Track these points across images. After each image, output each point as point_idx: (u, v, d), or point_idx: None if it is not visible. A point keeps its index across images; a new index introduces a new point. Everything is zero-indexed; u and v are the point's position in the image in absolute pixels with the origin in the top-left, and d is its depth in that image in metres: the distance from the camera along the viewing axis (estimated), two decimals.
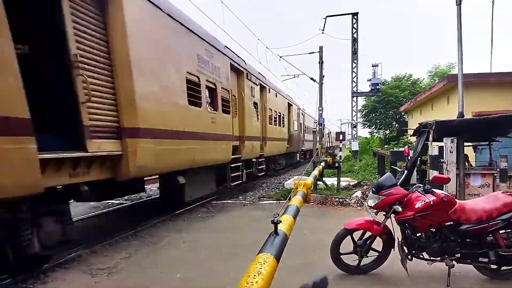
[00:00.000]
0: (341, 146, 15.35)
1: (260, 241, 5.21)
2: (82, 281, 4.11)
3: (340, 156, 13.21)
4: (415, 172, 8.39)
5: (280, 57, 22.69)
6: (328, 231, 5.64)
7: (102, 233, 6.06)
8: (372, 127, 33.49)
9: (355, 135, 26.61)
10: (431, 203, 3.59)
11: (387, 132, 30.20)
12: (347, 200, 8.27)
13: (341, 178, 10.90)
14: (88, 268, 4.55)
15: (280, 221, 2.19)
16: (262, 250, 1.89)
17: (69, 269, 4.55)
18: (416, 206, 3.66)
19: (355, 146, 24.33)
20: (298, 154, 21.84)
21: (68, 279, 4.19)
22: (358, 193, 8.90)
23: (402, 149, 14.63)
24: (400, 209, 3.74)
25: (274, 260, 1.76)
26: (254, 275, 1.49)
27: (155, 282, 4.01)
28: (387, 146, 22.29)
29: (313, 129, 26.42)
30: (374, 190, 3.94)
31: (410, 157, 7.92)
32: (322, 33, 23.34)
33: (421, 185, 3.87)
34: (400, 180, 4.17)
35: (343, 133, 26.24)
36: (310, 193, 5.45)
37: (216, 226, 6.72)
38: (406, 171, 7.32)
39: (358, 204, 7.96)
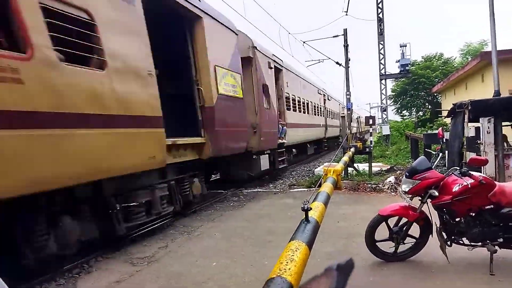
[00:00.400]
0: (371, 130, 14.91)
1: (292, 228, 5.25)
2: (124, 270, 4.33)
3: (371, 141, 12.87)
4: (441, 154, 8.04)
5: (304, 42, 22.27)
6: (362, 218, 5.58)
7: (139, 223, 6.31)
8: (404, 111, 32.33)
9: (386, 119, 25.80)
10: (469, 186, 3.45)
11: (420, 114, 29.04)
12: (380, 185, 8.09)
13: (373, 164, 10.66)
14: (128, 257, 4.78)
15: (311, 208, 2.18)
16: (293, 238, 1.90)
17: (110, 259, 4.80)
18: (453, 190, 3.53)
19: (386, 130, 23.63)
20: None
21: (111, 269, 4.43)
22: (392, 178, 8.68)
23: (436, 131, 14.07)
24: (437, 194, 3.62)
25: (306, 247, 1.77)
26: (287, 262, 1.51)
27: (192, 270, 4.15)
28: (420, 129, 21.46)
29: (342, 115, 25.91)
30: (408, 174, 3.83)
31: (446, 139, 7.60)
32: (346, 14, 22.59)
33: (458, 168, 3.72)
34: (435, 163, 4.01)
35: (373, 118, 25.54)
36: (341, 179, 5.37)
37: (248, 214, 6.82)
38: (441, 154, 7.05)
39: (391, 190, 7.77)
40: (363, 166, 10.84)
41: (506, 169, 6.56)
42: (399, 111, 32.71)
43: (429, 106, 28.65)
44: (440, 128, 9.86)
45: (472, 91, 15.78)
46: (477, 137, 6.92)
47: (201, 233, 5.75)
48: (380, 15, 24.24)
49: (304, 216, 2.09)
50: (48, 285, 4.00)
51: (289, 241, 1.83)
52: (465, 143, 7.27)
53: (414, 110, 30.21)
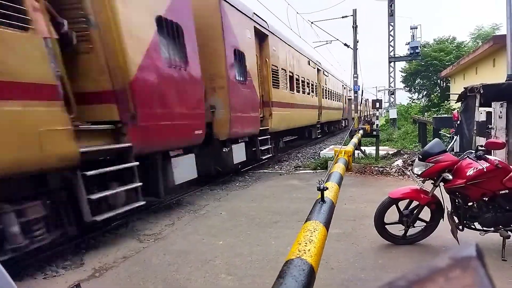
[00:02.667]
0: (377, 114, 14.66)
1: (298, 209, 5.27)
2: (131, 246, 4.34)
3: (377, 125, 12.63)
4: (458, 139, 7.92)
5: (312, 22, 21.72)
6: (369, 201, 5.54)
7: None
8: (414, 93, 31.89)
9: (393, 102, 25.46)
10: (484, 170, 3.35)
11: (431, 97, 28.64)
12: (387, 169, 8.00)
13: (380, 147, 10.54)
14: (135, 234, 4.79)
15: (327, 188, 2.11)
16: (309, 218, 1.84)
17: (118, 235, 4.82)
18: (468, 174, 3.43)
19: (393, 114, 23.36)
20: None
21: (118, 244, 4.44)
22: (399, 162, 8.58)
23: (445, 115, 13.84)
24: (450, 177, 3.53)
25: (324, 228, 1.70)
26: (306, 243, 1.44)
27: (199, 248, 4.14)
28: (427, 113, 21.17)
29: (348, 97, 25.55)
30: (421, 157, 3.73)
31: (460, 121, 7.46)
32: None
33: (473, 151, 3.61)
34: (450, 146, 3.91)
35: (380, 101, 25.19)
36: (352, 161, 5.29)
37: (253, 194, 6.80)
38: (456, 137, 6.94)
39: (399, 173, 7.69)
40: (369, 150, 10.74)
41: None
42: (410, 90, 32.23)
43: (438, 90, 28.20)
44: (456, 110, 9.67)
45: (482, 76, 15.43)
46: (488, 122, 6.78)
47: (207, 212, 5.75)
48: None
49: (320, 196, 2.01)
50: (56, 259, 4.02)
51: (305, 222, 1.77)
52: (475, 127, 7.13)
53: (424, 92, 29.75)
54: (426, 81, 29.20)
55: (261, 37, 9.57)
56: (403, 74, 30.86)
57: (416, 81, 30.36)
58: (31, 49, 3.25)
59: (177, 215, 5.63)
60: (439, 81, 28.13)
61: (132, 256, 4.05)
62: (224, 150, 7.41)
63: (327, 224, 1.78)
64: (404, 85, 31.45)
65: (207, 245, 4.23)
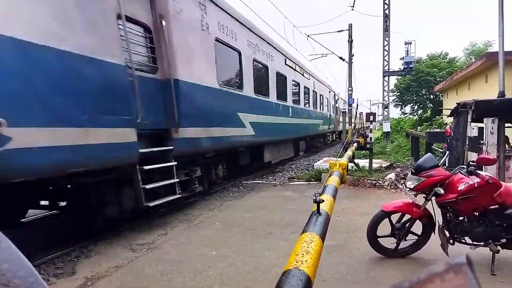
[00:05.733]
0: (371, 127, 14.83)
1: (292, 221, 5.30)
2: (123, 256, 4.31)
3: (371, 138, 12.80)
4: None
5: (308, 36, 22.00)
6: (362, 213, 5.59)
7: (139, 210, 6.29)
8: (406, 107, 32.37)
9: (387, 116, 25.79)
10: (475, 185, 3.43)
11: (420, 112, 29.09)
12: (380, 182, 8.08)
13: (373, 160, 10.65)
14: (128, 243, 4.76)
15: (323, 200, 2.15)
16: (306, 230, 1.87)
17: (110, 244, 4.78)
18: (459, 189, 3.50)
19: (386, 127, 23.64)
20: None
21: (110, 254, 4.41)
22: (392, 175, 8.68)
23: (438, 130, 14.05)
24: (442, 192, 3.60)
25: (320, 240, 1.74)
26: (303, 254, 1.47)
27: (192, 258, 4.13)
28: (420, 127, 21.47)
29: (343, 110, 25.74)
30: (414, 171, 3.81)
31: (451, 136, 7.61)
32: (352, 9, 22.36)
33: (465, 167, 3.70)
34: (442, 161, 4.00)
35: (374, 114, 25.47)
36: (346, 174, 5.35)
37: (247, 205, 6.80)
38: (448, 152, 7.06)
39: (392, 186, 7.77)
40: (362, 162, 10.84)
41: (506, 171, 6.57)
42: (402, 107, 32.71)
43: (430, 105, 28.68)
44: (448, 126, 9.86)
45: (475, 92, 15.76)
46: (480, 137, 6.91)
47: (201, 222, 5.73)
48: (387, 11, 24.05)
49: (316, 208, 2.06)
50: (47, 268, 3.98)
51: (302, 233, 1.80)
52: (467, 143, 7.26)
53: (416, 106, 30.24)
54: (417, 96, 29.70)
55: None
56: (398, 88, 31.31)
57: (409, 94, 30.84)
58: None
59: (171, 224, 5.61)
60: (431, 96, 28.62)
61: (124, 265, 4.02)
62: None
63: (322, 236, 1.82)
64: (397, 99, 31.87)
65: (200, 255, 4.22)
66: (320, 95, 18.82)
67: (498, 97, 8.31)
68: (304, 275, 1.28)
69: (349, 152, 7.27)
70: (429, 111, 27.84)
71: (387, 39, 24.39)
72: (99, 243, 4.76)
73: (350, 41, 22.23)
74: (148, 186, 4.86)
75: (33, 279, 0.39)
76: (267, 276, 3.58)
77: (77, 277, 3.76)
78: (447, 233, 3.69)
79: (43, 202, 5.47)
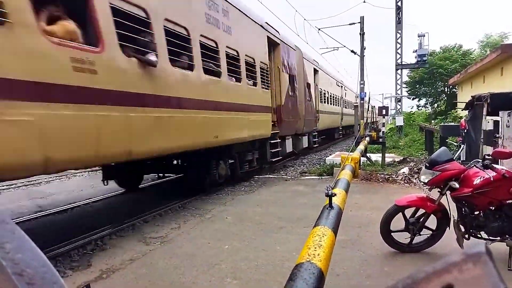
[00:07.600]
0: (383, 121, 14.60)
1: (303, 215, 5.29)
2: (137, 249, 4.38)
3: (383, 132, 12.61)
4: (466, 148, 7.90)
5: (319, 29, 21.77)
6: (374, 208, 5.54)
7: (153, 204, 6.38)
8: (420, 100, 31.80)
9: (400, 110, 25.39)
10: (491, 179, 3.35)
11: (435, 105, 28.54)
12: (393, 176, 7.98)
13: (385, 154, 10.52)
14: (142, 236, 4.84)
15: (335, 194, 2.14)
16: (318, 223, 1.87)
17: (124, 237, 4.87)
18: (475, 183, 3.43)
19: (399, 121, 23.27)
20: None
21: (125, 247, 4.49)
22: (405, 170, 8.55)
23: (452, 123, 13.78)
24: (457, 186, 3.53)
25: (332, 233, 1.73)
26: (315, 248, 1.47)
27: (205, 252, 4.18)
28: (434, 121, 21.08)
29: (355, 104, 25.46)
30: (428, 165, 3.75)
31: (467, 130, 7.46)
32: (364, 2, 22.02)
33: (480, 160, 3.62)
34: (457, 155, 3.92)
35: (386, 108, 25.07)
36: (358, 168, 5.31)
37: (259, 200, 6.82)
38: (463, 146, 6.93)
39: (405, 181, 7.67)
40: (375, 157, 10.72)
41: None
42: (419, 99, 32.14)
43: (445, 98, 28.11)
44: (463, 119, 9.67)
45: (490, 85, 15.39)
46: (495, 131, 6.76)
47: (213, 216, 5.78)
48: (399, 3, 23.57)
49: (328, 202, 2.04)
50: (63, 260, 4.08)
51: (314, 227, 1.80)
52: (482, 136, 7.11)
53: (429, 99, 29.67)
54: (431, 89, 29.12)
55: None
56: (411, 81, 30.74)
57: (422, 88, 30.29)
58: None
59: (183, 218, 5.68)
60: (445, 88, 28.04)
61: (138, 258, 4.09)
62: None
63: (335, 230, 1.81)
64: (408, 92, 31.32)
65: (213, 249, 4.26)
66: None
67: None
68: (317, 268, 1.28)
69: (361, 146, 7.19)
70: (444, 104, 27.28)
71: (399, 31, 23.94)
72: (114, 236, 4.86)
73: (362, 34, 21.90)
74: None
75: (45, 269, 0.40)
76: (279, 269, 3.59)
77: (92, 270, 3.84)
78: (462, 227, 3.63)
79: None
